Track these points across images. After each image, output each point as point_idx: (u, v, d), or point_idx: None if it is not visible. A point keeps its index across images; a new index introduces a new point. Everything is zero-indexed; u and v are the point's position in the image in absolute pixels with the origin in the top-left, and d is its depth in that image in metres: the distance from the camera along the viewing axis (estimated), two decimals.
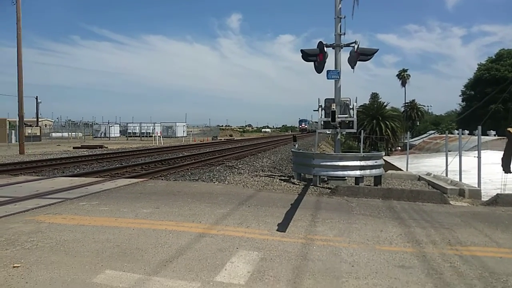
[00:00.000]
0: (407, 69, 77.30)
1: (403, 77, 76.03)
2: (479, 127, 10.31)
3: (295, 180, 10.80)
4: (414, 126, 70.90)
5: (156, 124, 57.94)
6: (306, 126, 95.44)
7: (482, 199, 8.89)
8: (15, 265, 3.89)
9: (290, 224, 5.74)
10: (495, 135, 30.50)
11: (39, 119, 58.02)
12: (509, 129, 10.45)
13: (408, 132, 23.95)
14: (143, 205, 7.01)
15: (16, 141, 32.08)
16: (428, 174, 12.70)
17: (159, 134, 41.10)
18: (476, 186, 9.72)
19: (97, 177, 11.36)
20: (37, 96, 56.14)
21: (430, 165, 17.20)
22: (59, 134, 55.54)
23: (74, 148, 29.10)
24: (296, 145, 13.52)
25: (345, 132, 12.90)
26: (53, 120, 79.77)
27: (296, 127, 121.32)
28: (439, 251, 4.60)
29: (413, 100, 75.29)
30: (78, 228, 5.35)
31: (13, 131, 38.77)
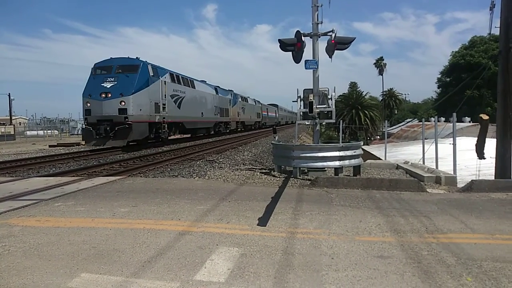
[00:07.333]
0: (383, 58, 77.96)
1: (380, 65, 76.77)
2: (454, 114, 10.48)
3: (275, 172, 10.79)
4: (392, 114, 72.07)
5: None
6: None
7: (458, 186, 9.07)
8: None
9: (270, 218, 5.72)
10: (470, 122, 31.31)
11: (13, 117, 56.48)
12: (481, 115, 10.69)
13: (386, 121, 24.27)
14: (120, 203, 6.88)
15: None
16: (406, 162, 12.90)
17: None
18: (452, 173, 9.91)
19: (73, 176, 11.09)
20: (9, 93, 54.77)
21: (408, 153, 17.52)
22: (34, 132, 53.94)
23: (50, 146, 28.31)
24: (276, 137, 13.53)
25: (324, 123, 12.94)
26: (27, 118, 77.76)
27: None
28: (417, 239, 4.66)
29: (391, 89, 76.50)
30: (53, 231, 5.19)
31: None
